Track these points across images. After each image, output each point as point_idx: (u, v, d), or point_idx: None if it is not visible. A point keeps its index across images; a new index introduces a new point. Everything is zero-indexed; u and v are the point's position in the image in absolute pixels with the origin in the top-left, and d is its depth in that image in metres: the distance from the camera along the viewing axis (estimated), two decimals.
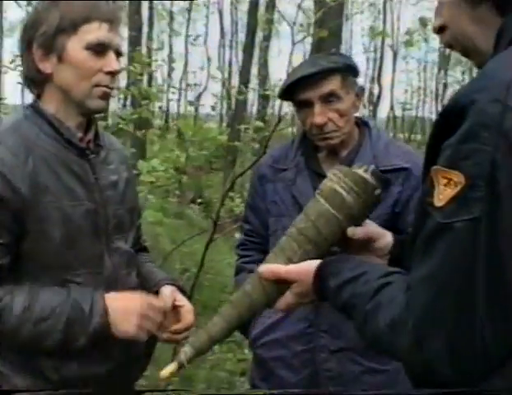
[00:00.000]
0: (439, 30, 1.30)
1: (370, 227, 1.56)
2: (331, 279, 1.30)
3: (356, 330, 1.25)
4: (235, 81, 19.67)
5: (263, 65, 16.23)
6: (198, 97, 22.81)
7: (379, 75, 32.29)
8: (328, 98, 2.22)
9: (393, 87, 34.14)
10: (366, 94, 28.06)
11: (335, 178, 1.45)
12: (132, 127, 5.56)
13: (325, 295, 1.33)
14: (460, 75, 37.10)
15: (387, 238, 1.61)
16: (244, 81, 12.34)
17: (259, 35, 16.86)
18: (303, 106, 2.28)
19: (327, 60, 2.26)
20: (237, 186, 7.51)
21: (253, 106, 15.99)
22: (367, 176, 1.45)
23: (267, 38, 15.57)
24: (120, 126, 5.34)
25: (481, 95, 1.02)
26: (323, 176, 2.17)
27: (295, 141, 2.47)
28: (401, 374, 2.19)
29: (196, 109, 16.61)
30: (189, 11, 29.86)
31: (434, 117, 36.48)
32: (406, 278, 1.16)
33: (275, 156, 2.49)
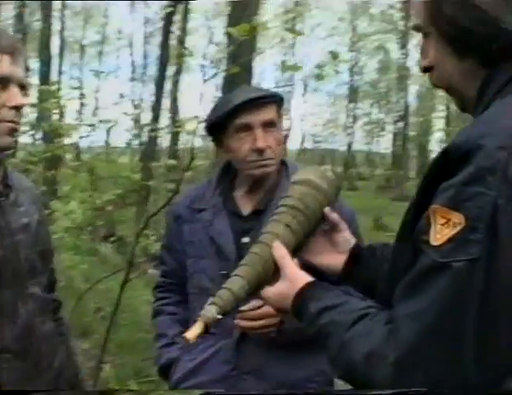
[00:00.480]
0: (426, 69, 1.35)
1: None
2: (311, 302, 1.33)
3: (329, 358, 1.27)
4: (147, 115, 19.59)
5: (174, 100, 16.18)
6: (108, 131, 22.54)
7: (289, 108, 32.74)
8: (268, 125, 2.22)
9: (304, 120, 34.70)
10: None
11: (306, 173, 1.66)
12: (42, 167, 5.41)
13: (301, 315, 1.36)
14: (369, 107, 38.16)
15: (348, 235, 1.70)
16: (156, 115, 12.28)
17: (171, 69, 16.88)
18: (241, 131, 2.23)
19: (264, 90, 2.31)
20: (152, 223, 7.41)
21: (163, 140, 15.91)
22: (328, 173, 1.66)
23: (178, 72, 15.57)
24: (28, 166, 5.18)
25: (487, 140, 1.05)
26: (240, 216, 2.30)
27: (211, 180, 2.43)
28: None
29: (106, 147, 16.46)
30: (102, 43, 29.61)
31: (345, 148, 37.39)
32: (385, 312, 1.18)
33: (192, 196, 2.44)
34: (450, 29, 1.25)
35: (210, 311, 1.50)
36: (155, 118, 11.74)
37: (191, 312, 2.35)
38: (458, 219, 1.03)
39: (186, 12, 13.81)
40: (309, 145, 40.19)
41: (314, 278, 1.42)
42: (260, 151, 2.20)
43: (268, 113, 2.22)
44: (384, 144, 38.76)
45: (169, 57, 10.66)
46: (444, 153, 1.12)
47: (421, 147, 34.47)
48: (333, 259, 1.66)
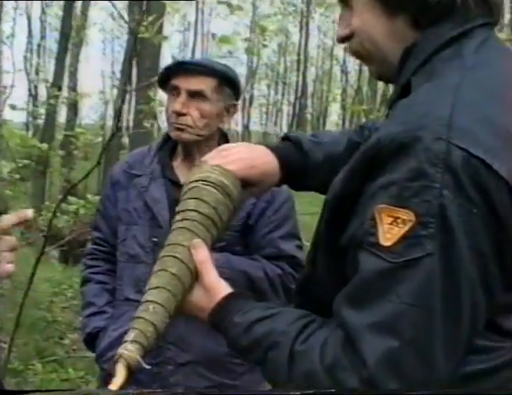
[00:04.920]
0: (344, 39, 1.28)
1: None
2: (237, 315, 1.23)
3: (271, 368, 1.16)
4: (42, 86, 19.08)
5: (73, 72, 15.78)
6: (3, 104, 21.76)
7: None
8: (196, 94, 2.23)
9: None
10: None
11: (217, 171, 1.39)
12: None
13: (225, 328, 1.25)
14: (266, 88, 38.53)
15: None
16: (57, 87, 11.95)
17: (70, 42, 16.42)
18: (172, 92, 2.28)
19: (213, 63, 2.31)
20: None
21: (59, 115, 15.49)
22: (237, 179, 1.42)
23: (77, 45, 15.20)
24: None
25: (424, 132, 1.00)
26: (177, 184, 2.25)
27: (152, 147, 2.44)
28: (251, 389, 2.20)
29: None
30: None
31: (240, 129, 37.57)
32: (324, 319, 1.13)
33: (130, 162, 2.43)
34: None
35: (133, 352, 1.21)
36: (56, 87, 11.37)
37: (118, 280, 2.37)
38: (406, 216, 0.99)
39: None
40: None
41: (233, 289, 1.30)
42: (177, 114, 2.23)
43: (197, 84, 2.23)
44: (280, 125, 39.15)
45: (72, 28, 10.38)
46: (373, 148, 1.06)
47: (315, 129, 35.14)
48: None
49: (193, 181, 1.39)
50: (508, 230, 1.00)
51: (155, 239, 2.24)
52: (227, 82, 2.30)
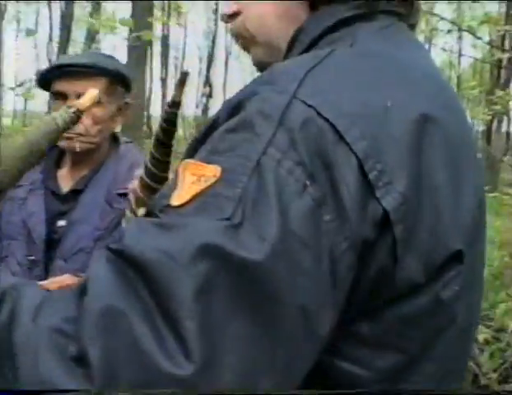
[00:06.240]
0: (230, 17, 1.07)
1: None
2: None
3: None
4: None
5: None
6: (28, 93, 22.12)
7: (207, 75, 32.42)
8: None
9: (226, 86, 34.52)
10: (199, 94, 28.39)
11: None
12: None
13: None
14: None
15: None
16: None
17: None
18: (58, 99, 2.02)
19: (101, 60, 2.06)
20: None
21: None
22: None
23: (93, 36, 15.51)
24: None
25: (265, 87, 0.78)
26: (59, 196, 2.08)
27: None
28: None
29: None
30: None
31: None
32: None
33: None
34: None
35: None
36: None
37: None
38: (211, 172, 0.71)
39: None
40: None
41: None
42: None
43: (85, 87, 1.74)
44: None
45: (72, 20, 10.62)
46: (218, 113, 0.82)
47: None
48: None
49: None
50: (353, 225, 0.70)
51: (31, 257, 2.02)
52: (119, 80, 2.07)
